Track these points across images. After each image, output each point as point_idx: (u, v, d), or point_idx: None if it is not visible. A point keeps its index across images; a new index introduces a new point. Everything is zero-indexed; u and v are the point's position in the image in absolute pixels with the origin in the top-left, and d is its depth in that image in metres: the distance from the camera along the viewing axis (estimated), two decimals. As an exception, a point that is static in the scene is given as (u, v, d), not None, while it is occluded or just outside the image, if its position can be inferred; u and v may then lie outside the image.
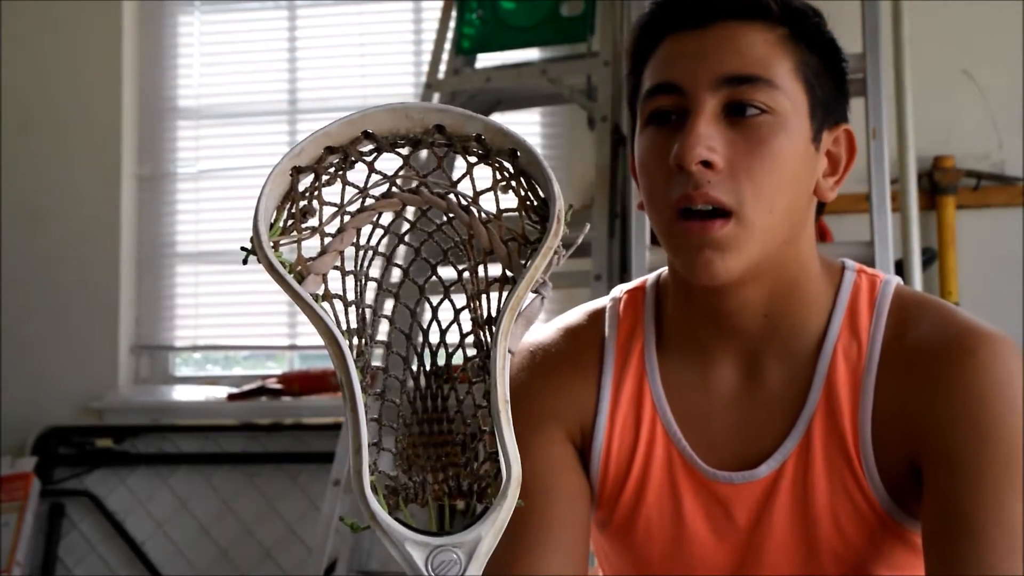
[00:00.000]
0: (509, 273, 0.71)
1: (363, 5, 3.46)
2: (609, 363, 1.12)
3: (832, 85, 1.05)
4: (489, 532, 0.67)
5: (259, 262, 0.68)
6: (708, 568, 1.09)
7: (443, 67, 2.86)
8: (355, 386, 0.67)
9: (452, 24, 2.88)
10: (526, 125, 3.32)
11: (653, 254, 2.24)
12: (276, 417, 3.19)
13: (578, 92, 2.77)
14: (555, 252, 0.71)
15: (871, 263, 2.23)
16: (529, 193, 0.73)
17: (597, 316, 1.16)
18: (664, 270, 1.15)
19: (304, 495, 3.14)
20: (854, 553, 1.05)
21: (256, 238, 0.67)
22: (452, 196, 0.72)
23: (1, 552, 3.03)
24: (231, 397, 3.27)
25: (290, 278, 0.67)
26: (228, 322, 3.46)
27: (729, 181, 0.98)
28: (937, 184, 2.91)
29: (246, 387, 3.29)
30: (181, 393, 3.44)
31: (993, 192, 2.95)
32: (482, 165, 0.73)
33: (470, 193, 0.73)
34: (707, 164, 0.97)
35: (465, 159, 0.72)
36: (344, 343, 0.67)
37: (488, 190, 0.72)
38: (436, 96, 2.84)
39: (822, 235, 2.66)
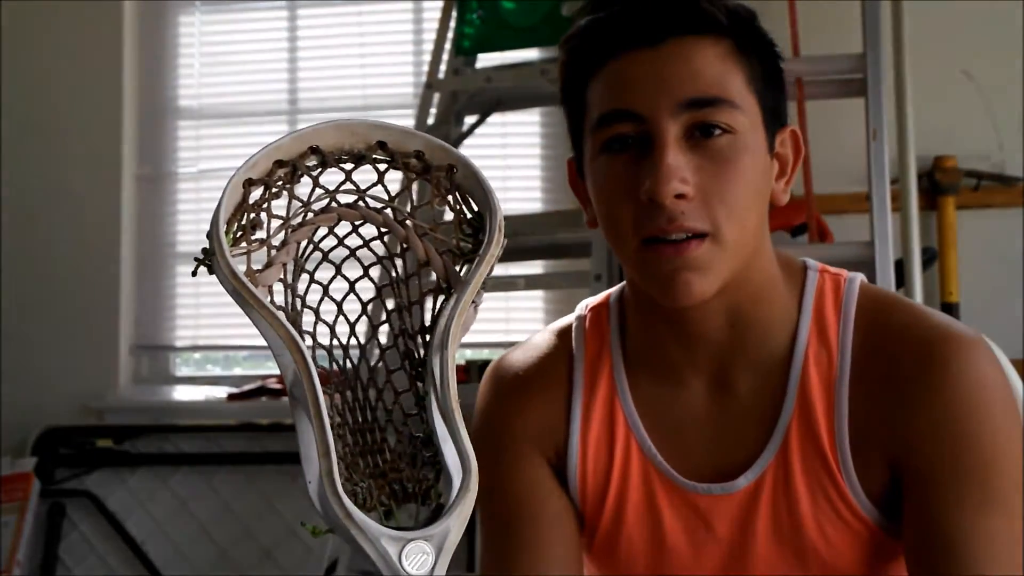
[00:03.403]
0: (444, 284, 0.74)
1: (363, 5, 3.46)
2: (578, 383, 1.11)
3: (776, 88, 1.04)
4: (455, 524, 0.69)
5: (211, 273, 0.70)
6: None
7: (443, 67, 2.86)
8: (318, 391, 0.68)
9: (452, 24, 2.88)
10: (526, 125, 3.32)
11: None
12: (276, 417, 3.19)
13: (578, 92, 2.76)
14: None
15: (871, 263, 2.23)
16: (463, 207, 0.75)
17: (565, 335, 1.15)
18: (625, 284, 1.13)
19: (304, 495, 3.09)
20: (842, 563, 1.04)
21: (218, 247, 0.68)
22: (388, 211, 0.74)
23: (1, 552, 3.03)
24: (231, 397, 3.27)
25: (251, 287, 0.68)
26: (228, 322, 3.46)
27: (702, 207, 0.96)
28: (938, 184, 2.91)
29: (246, 387, 3.29)
30: (181, 393, 3.44)
31: (994, 192, 2.94)
32: (421, 180, 0.76)
33: (408, 207, 0.76)
34: (680, 195, 0.96)
35: (406, 174, 0.75)
36: (304, 348, 0.69)
37: (425, 204, 0.75)
38: (436, 96, 2.85)
39: (822, 235, 2.66)
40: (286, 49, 3.51)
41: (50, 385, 3.35)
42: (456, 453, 0.71)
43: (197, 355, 3.57)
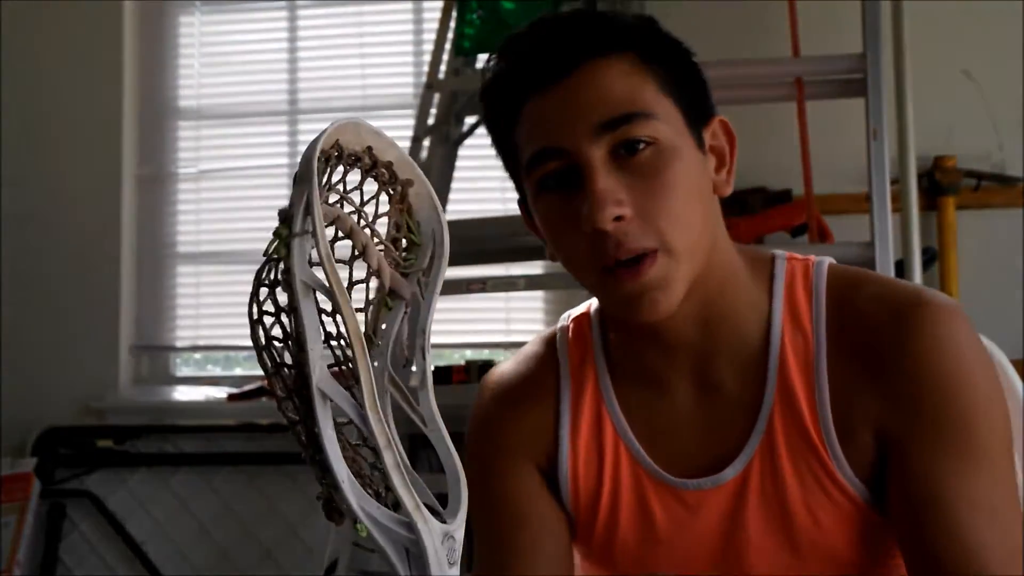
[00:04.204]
0: (387, 296, 0.77)
1: (363, 6, 3.46)
2: (565, 392, 1.13)
3: (693, 85, 1.04)
4: (464, 517, 0.73)
5: (281, 257, 0.70)
6: None
7: (443, 67, 2.86)
8: (374, 384, 0.69)
9: (452, 24, 2.88)
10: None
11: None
12: (276, 417, 3.18)
13: (578, 92, 2.76)
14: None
15: (871, 263, 2.23)
16: (408, 224, 0.79)
17: (551, 344, 1.17)
18: None
19: (304, 496, 3.14)
20: (835, 545, 1.05)
21: (319, 229, 0.69)
22: (354, 216, 0.76)
23: (1, 553, 3.03)
24: (231, 397, 3.27)
25: (336, 271, 0.69)
26: (228, 322, 3.46)
27: (645, 224, 0.97)
28: (938, 184, 2.91)
29: (246, 387, 3.29)
30: (181, 393, 3.44)
31: (993, 193, 2.95)
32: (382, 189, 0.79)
33: (371, 215, 0.78)
34: (619, 218, 0.97)
35: (380, 183, 0.78)
36: (363, 340, 0.70)
37: (384, 214, 0.78)
38: (436, 96, 2.85)
39: (822, 235, 2.66)
40: (286, 49, 3.51)
41: (50, 385, 3.35)
42: (442, 457, 0.74)
43: (197, 355, 3.57)
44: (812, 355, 1.04)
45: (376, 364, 0.76)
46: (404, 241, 0.79)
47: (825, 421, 1.03)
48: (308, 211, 0.69)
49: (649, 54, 1.01)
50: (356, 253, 0.75)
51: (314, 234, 0.69)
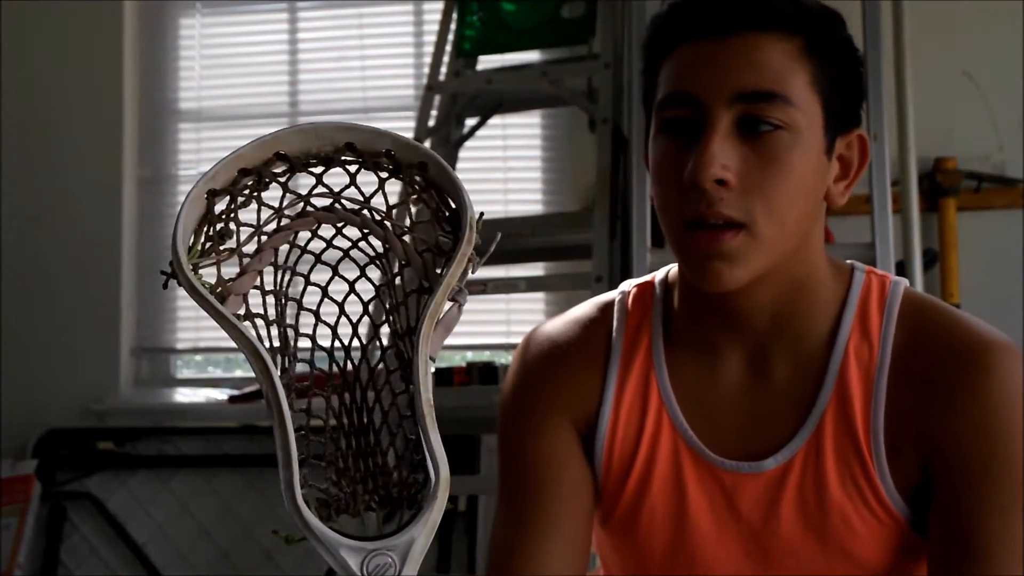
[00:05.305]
0: (426, 283, 0.74)
1: (364, 8, 3.46)
2: (616, 354, 1.13)
3: (848, 93, 1.04)
4: (422, 533, 0.70)
5: (180, 285, 0.70)
6: (713, 563, 1.09)
7: (444, 69, 2.86)
8: (281, 401, 0.68)
9: (453, 26, 2.88)
10: (527, 127, 3.32)
11: (654, 256, 2.24)
12: (277, 419, 3.19)
13: (579, 94, 2.77)
14: (469, 260, 0.74)
15: (872, 264, 2.22)
16: (440, 204, 0.75)
17: (607, 308, 1.17)
18: (674, 267, 1.15)
19: (305, 497, 3.14)
20: (864, 553, 1.06)
21: (176, 261, 0.69)
22: (366, 212, 0.74)
23: (2, 555, 3.03)
24: (232, 399, 3.27)
25: (211, 298, 0.69)
26: (229, 324, 3.45)
27: (741, 197, 0.98)
28: (938, 186, 2.91)
29: (247, 389, 3.29)
30: (182, 395, 3.44)
31: (994, 194, 2.94)
32: (394, 180, 0.75)
33: (384, 208, 0.75)
34: (720, 182, 0.97)
35: (376, 174, 0.75)
36: (268, 359, 0.70)
37: (401, 204, 0.75)
38: (437, 98, 2.85)
39: (825, 237, 2.65)
40: (287, 51, 3.51)
41: (51, 387, 3.35)
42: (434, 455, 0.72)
43: (198, 357, 3.57)
44: (875, 367, 1.05)
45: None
46: (445, 224, 0.76)
47: (876, 432, 1.04)
48: (174, 240, 0.70)
49: (816, 46, 1.01)
50: (385, 247, 0.74)
51: (175, 263, 0.70)
